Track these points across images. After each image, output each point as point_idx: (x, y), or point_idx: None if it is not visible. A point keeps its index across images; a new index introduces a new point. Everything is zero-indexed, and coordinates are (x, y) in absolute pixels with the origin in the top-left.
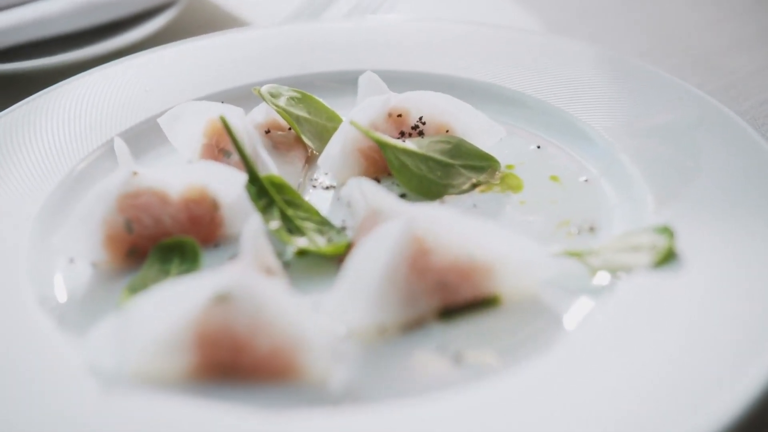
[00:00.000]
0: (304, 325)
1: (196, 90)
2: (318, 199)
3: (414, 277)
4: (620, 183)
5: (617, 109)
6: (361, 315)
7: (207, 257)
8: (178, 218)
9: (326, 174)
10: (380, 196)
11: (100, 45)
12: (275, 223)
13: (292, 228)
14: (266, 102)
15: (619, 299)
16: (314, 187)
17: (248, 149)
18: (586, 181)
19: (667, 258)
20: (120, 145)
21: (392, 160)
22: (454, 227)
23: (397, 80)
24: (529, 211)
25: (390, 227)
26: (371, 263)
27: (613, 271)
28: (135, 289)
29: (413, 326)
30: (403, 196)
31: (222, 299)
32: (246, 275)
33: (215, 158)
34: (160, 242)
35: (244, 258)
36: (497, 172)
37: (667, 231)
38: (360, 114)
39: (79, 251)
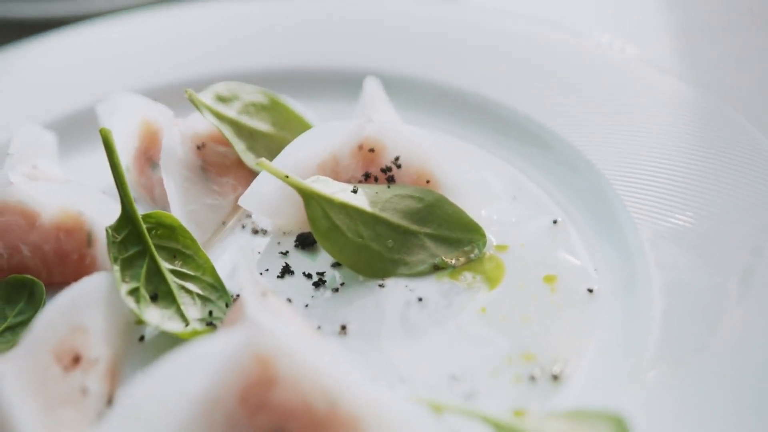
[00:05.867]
0: None
1: (143, 76)
2: (240, 246)
3: (240, 414)
4: (629, 312)
5: (680, 188)
6: None
7: None
8: (41, 249)
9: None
10: (246, 283)
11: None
12: (125, 287)
13: (160, 292)
14: (197, 108)
15: None
16: (243, 227)
17: (166, 170)
18: (590, 292)
19: None
20: (27, 135)
21: (317, 219)
22: (319, 354)
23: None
24: (487, 325)
25: (226, 338)
26: (175, 387)
27: None
28: None
29: None
30: (338, 264)
31: None
32: None
33: (142, 169)
34: (9, 277)
35: (25, 351)
36: (477, 253)
37: (620, 425)
38: (318, 140)
39: None
